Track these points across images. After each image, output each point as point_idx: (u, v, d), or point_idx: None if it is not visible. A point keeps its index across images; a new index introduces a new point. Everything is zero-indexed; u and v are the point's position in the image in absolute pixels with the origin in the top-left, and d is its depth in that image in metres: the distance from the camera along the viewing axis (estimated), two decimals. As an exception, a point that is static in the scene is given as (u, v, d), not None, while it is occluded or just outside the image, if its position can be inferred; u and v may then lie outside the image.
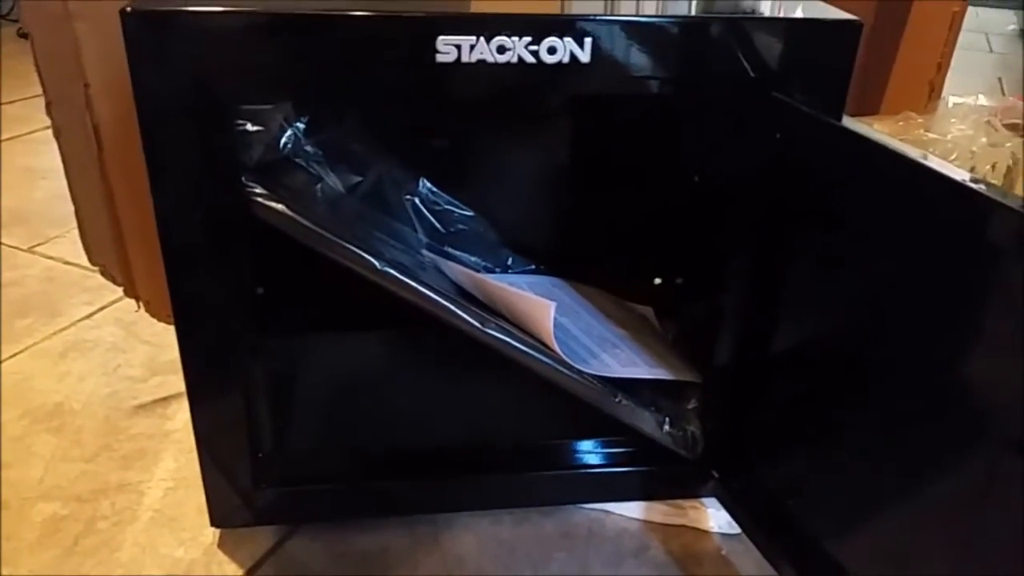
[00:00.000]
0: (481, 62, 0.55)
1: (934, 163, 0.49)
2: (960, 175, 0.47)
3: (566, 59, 0.56)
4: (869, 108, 0.85)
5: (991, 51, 2.00)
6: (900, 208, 0.53)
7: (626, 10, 0.61)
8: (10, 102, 1.74)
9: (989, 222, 0.47)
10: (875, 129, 0.56)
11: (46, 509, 0.77)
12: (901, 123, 0.78)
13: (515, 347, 0.68)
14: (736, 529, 0.74)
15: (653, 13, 0.60)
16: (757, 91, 0.60)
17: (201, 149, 0.58)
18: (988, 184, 0.48)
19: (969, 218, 0.48)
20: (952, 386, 0.52)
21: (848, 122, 0.56)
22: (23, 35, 1.98)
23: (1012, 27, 2.18)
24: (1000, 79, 1.89)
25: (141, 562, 0.72)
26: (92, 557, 0.73)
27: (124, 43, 0.53)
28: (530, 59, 0.55)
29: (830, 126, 0.57)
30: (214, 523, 0.73)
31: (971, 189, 0.47)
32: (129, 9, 0.52)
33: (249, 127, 0.62)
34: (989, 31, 2.02)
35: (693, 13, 0.63)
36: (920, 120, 0.75)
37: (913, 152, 0.50)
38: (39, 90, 0.78)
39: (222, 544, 0.74)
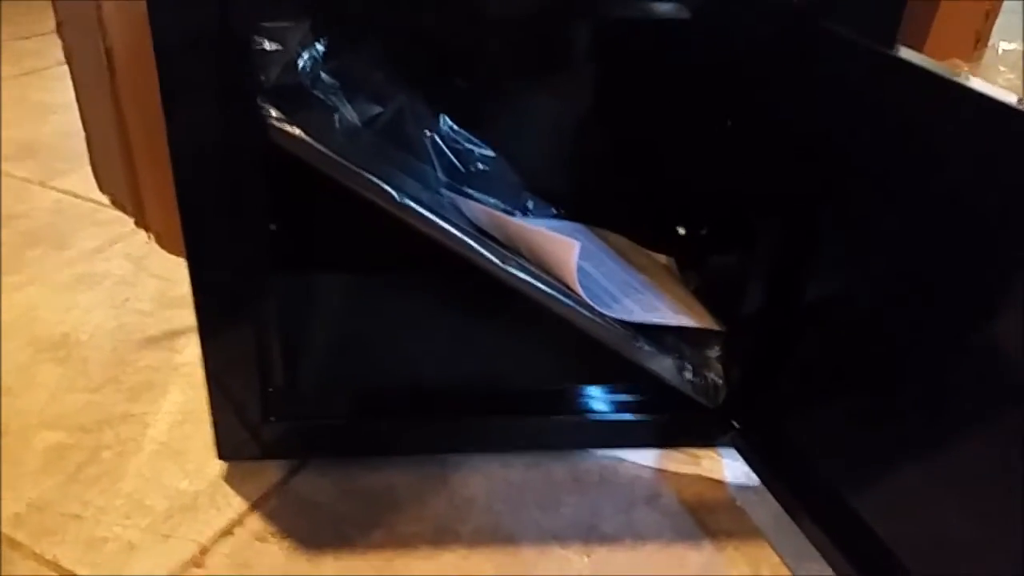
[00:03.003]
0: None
1: (1007, 98, 0.46)
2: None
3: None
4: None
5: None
6: (959, 146, 0.50)
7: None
8: (26, 38, 1.72)
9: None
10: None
11: (49, 437, 0.76)
12: (944, 71, 0.74)
13: (536, 287, 0.66)
14: (751, 481, 0.72)
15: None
16: (800, 21, 0.57)
17: (217, 67, 0.56)
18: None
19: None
20: (991, 336, 0.50)
21: (909, 54, 0.53)
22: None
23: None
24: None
25: (144, 492, 0.71)
26: (95, 486, 0.71)
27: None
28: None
29: (892, 59, 0.53)
30: (221, 456, 0.71)
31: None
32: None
33: (267, 45, 0.60)
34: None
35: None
36: (966, 68, 0.72)
37: (984, 85, 0.47)
38: (53, 25, 0.76)
39: (228, 477, 0.72)
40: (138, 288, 0.98)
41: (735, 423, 0.72)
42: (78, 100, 0.82)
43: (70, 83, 0.79)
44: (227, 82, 0.57)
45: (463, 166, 0.83)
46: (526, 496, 0.72)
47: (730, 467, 0.74)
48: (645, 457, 0.75)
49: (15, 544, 0.66)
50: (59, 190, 1.18)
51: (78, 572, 0.64)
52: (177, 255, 0.84)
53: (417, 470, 0.73)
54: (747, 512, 0.71)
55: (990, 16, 0.79)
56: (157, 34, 0.54)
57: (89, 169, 0.84)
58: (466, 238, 0.65)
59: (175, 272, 0.98)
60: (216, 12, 0.53)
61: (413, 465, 0.74)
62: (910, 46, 0.56)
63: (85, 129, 0.83)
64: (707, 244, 0.85)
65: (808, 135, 0.61)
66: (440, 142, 0.81)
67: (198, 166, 0.59)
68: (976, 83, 0.49)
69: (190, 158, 0.58)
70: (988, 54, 0.75)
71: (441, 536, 0.68)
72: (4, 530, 0.67)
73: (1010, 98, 0.47)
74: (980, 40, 0.78)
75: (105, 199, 0.86)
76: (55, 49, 0.77)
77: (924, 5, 0.79)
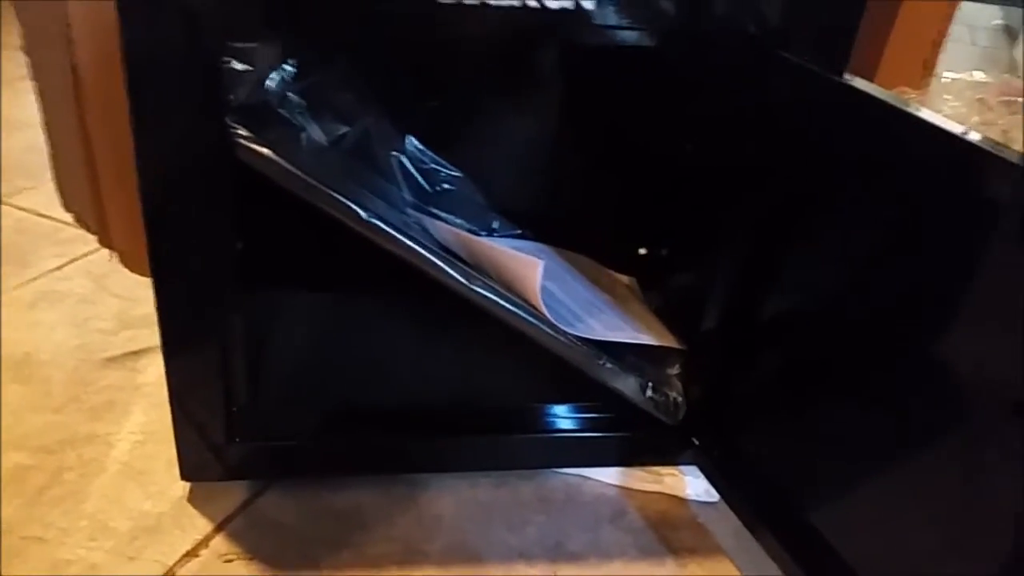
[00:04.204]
0: (484, 4, 0.53)
1: (950, 127, 0.48)
2: (973, 135, 0.47)
3: (570, 5, 0.54)
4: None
5: (974, 44, 2.00)
6: (906, 171, 0.52)
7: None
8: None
9: (988, 178, 0.46)
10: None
11: (11, 458, 0.75)
12: (894, 99, 0.77)
13: (501, 305, 0.67)
14: (712, 497, 0.74)
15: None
16: (757, 49, 0.59)
17: (186, 86, 0.56)
18: (994, 142, 0.47)
19: (970, 176, 0.47)
20: (944, 352, 0.52)
21: (860, 83, 0.55)
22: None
23: (997, 22, 2.19)
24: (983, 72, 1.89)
25: (108, 514, 0.70)
26: (57, 507, 0.71)
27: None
28: (533, 3, 0.53)
29: (843, 87, 0.55)
30: (184, 477, 0.71)
31: (976, 146, 0.47)
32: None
33: (236, 65, 0.60)
34: (972, 25, 2.02)
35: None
36: (914, 95, 0.75)
37: (931, 115, 0.49)
38: (15, 40, 0.75)
39: (192, 499, 0.72)
40: (100, 307, 0.97)
41: (695, 440, 0.73)
42: (43, 117, 0.81)
43: (32, 99, 0.78)
44: (196, 101, 0.57)
45: (429, 186, 0.84)
46: (493, 515, 0.72)
47: (692, 484, 0.75)
48: (609, 475, 0.76)
49: (-24, 568, 0.65)
50: (21, 208, 1.17)
51: (41, 595, 0.63)
52: (141, 274, 0.84)
53: (384, 490, 0.74)
54: (708, 529, 0.72)
55: (937, 45, 0.82)
56: (128, 52, 0.54)
57: (51, 187, 0.83)
58: (432, 257, 0.66)
59: (136, 291, 0.97)
60: (186, 32, 0.54)
61: (380, 485, 0.74)
62: (861, 74, 0.58)
63: (50, 146, 0.83)
64: (668, 264, 0.86)
65: (764, 158, 0.63)
66: (406, 162, 0.82)
67: (165, 184, 0.59)
68: (924, 113, 0.51)
69: (158, 176, 0.59)
70: (935, 83, 0.78)
71: (409, 556, 0.68)
72: (-36, 554, 0.66)
73: (955, 128, 0.49)
74: (927, 69, 0.81)
75: (67, 217, 0.85)
76: (17, 65, 0.77)
77: (874, 35, 0.82)
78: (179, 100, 0.56)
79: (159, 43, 0.54)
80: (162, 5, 0.53)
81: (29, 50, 0.77)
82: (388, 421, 0.74)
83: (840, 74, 0.56)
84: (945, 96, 0.76)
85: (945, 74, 0.79)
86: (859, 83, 0.56)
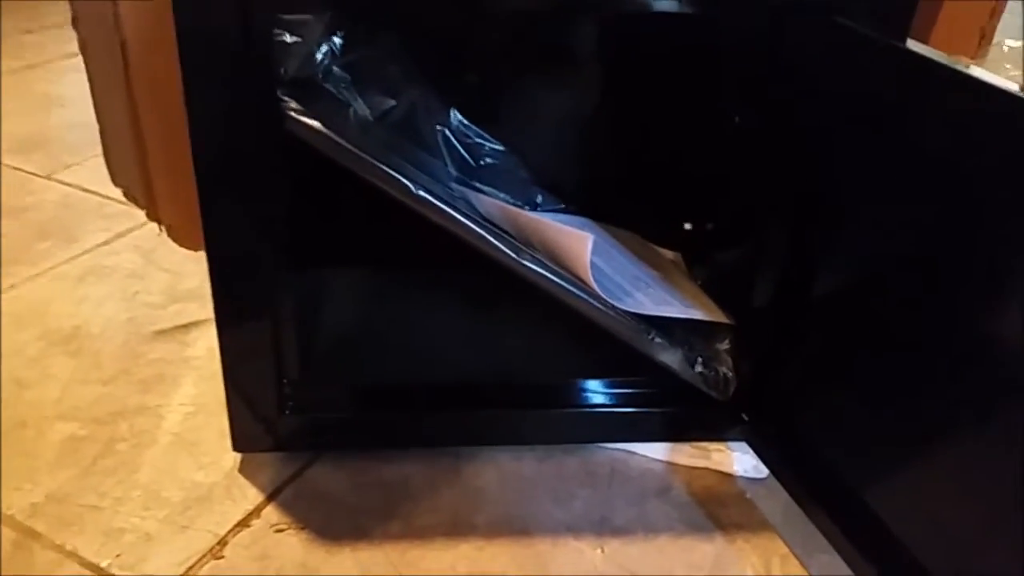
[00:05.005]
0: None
1: (1010, 86, 0.47)
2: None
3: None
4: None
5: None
6: (964, 138, 0.51)
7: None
8: (29, 31, 1.71)
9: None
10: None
11: (64, 429, 0.77)
12: (950, 69, 0.75)
13: (550, 279, 0.66)
14: (761, 473, 0.73)
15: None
16: (809, 14, 0.58)
17: (238, 59, 0.56)
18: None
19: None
20: (1003, 323, 0.51)
21: (918, 47, 0.54)
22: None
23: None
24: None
25: (161, 484, 0.72)
26: (111, 477, 0.72)
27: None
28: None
29: (901, 52, 0.54)
30: (236, 448, 0.72)
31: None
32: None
33: (287, 38, 0.60)
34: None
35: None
36: (972, 64, 0.73)
37: (990, 76, 0.48)
38: (57, 19, 0.76)
39: (243, 469, 0.73)
40: (148, 281, 0.98)
41: (745, 416, 0.73)
42: (92, 93, 0.82)
43: (74, 76, 0.80)
44: (248, 74, 0.57)
45: (473, 160, 0.83)
46: (539, 489, 0.72)
47: (739, 460, 0.75)
48: (656, 450, 0.76)
49: (35, 535, 0.66)
50: (67, 183, 1.18)
51: (98, 563, 0.64)
52: (189, 248, 0.85)
53: (431, 462, 0.74)
54: (756, 504, 0.72)
55: (995, 14, 0.80)
56: (180, 25, 0.54)
57: (96, 162, 0.85)
58: (482, 231, 0.66)
59: (184, 265, 0.98)
60: (238, 4, 0.54)
61: (426, 458, 0.75)
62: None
63: (99, 122, 0.84)
64: (714, 239, 0.85)
65: (815, 128, 0.62)
66: (451, 136, 0.82)
67: (218, 158, 0.59)
68: (983, 74, 0.49)
69: (210, 149, 0.59)
70: (993, 51, 0.76)
71: (457, 527, 0.68)
72: (23, 521, 0.67)
73: (1013, 87, 0.47)
74: (984, 37, 0.79)
75: (114, 192, 0.87)
76: (59, 42, 0.78)
77: (930, 3, 0.80)
78: (231, 72, 0.56)
79: (210, 14, 0.54)
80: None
81: (78, 26, 0.78)
82: (434, 395, 0.75)
83: (900, 39, 0.55)
84: (1005, 65, 0.74)
85: (1007, 43, 0.77)
86: (918, 48, 0.54)
